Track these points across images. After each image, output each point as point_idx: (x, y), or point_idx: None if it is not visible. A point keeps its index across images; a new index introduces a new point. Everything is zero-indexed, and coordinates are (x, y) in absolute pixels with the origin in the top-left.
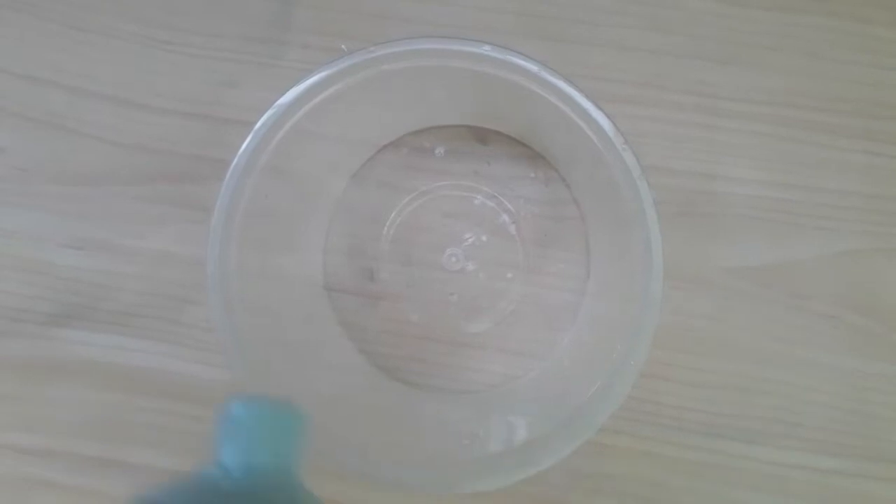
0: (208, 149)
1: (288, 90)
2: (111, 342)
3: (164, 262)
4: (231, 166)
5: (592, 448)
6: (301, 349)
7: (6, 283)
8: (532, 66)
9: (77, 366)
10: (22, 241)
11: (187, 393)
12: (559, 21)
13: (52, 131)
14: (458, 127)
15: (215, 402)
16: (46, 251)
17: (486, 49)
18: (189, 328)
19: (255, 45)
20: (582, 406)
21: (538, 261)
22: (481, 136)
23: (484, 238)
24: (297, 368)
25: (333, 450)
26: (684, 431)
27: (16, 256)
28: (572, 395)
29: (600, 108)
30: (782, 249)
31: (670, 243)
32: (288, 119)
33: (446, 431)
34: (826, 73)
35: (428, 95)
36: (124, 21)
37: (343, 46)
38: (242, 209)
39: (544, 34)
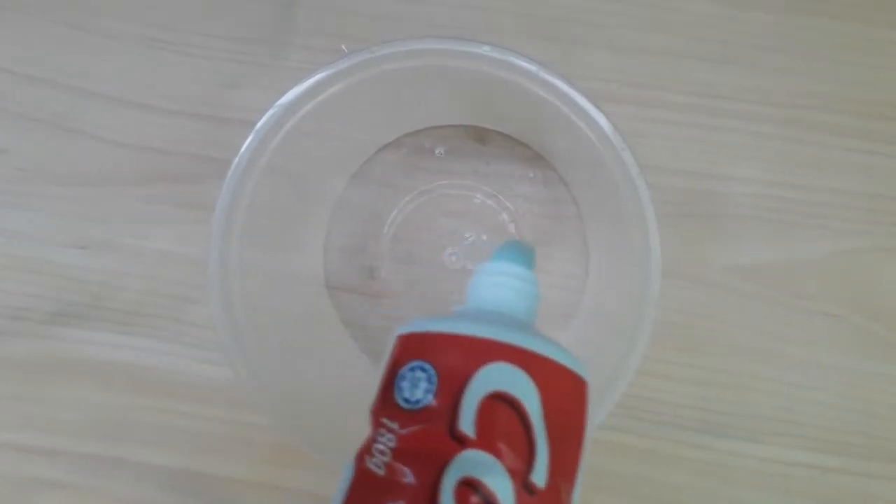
0: (209, 149)
1: (289, 91)
2: (112, 341)
3: (165, 261)
4: (232, 166)
5: (592, 446)
6: (302, 348)
7: (7, 282)
8: (531, 67)
9: (78, 365)
10: (23, 240)
11: (188, 392)
12: (559, 21)
13: (54, 132)
14: (457, 127)
15: (215, 401)
16: (48, 251)
17: (485, 49)
18: (190, 327)
19: (255, 45)
20: None
21: (537, 260)
22: (481, 136)
23: (484, 237)
24: (297, 367)
25: (335, 448)
26: (684, 429)
27: (17, 256)
28: None
29: (599, 109)
30: (782, 249)
31: (670, 243)
32: (288, 119)
33: None
34: (826, 73)
35: (428, 95)
36: (125, 22)
37: (343, 47)
38: (243, 209)
39: (544, 34)
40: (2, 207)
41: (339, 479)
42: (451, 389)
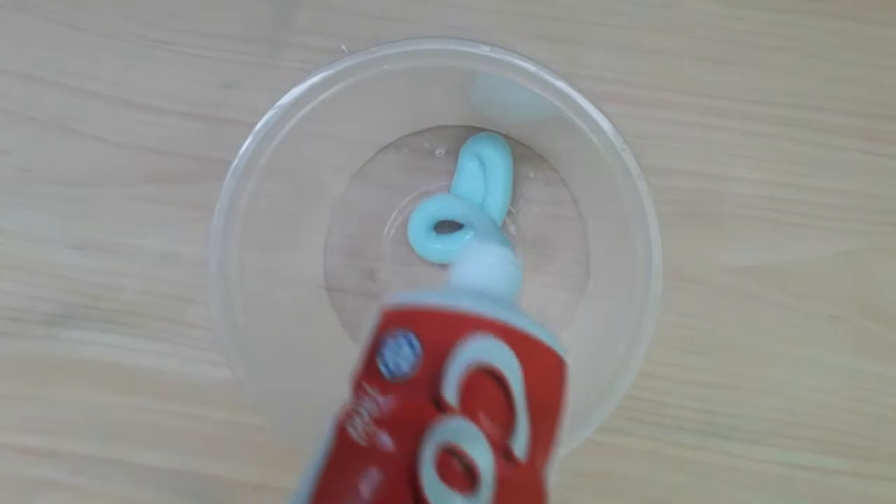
0: (209, 149)
1: (288, 91)
2: (112, 342)
3: (165, 262)
4: (231, 167)
5: (593, 447)
6: (301, 349)
7: (7, 283)
8: (531, 67)
9: (78, 366)
10: (23, 241)
11: (187, 393)
12: (559, 21)
13: (54, 132)
14: (458, 127)
15: (214, 401)
16: (47, 251)
17: (485, 50)
18: (189, 328)
19: (255, 45)
20: (582, 405)
21: (538, 260)
22: None
23: None
24: (297, 368)
25: None
26: (684, 431)
27: (17, 256)
28: (572, 394)
29: (600, 109)
30: (782, 249)
31: (670, 243)
32: (288, 120)
33: None
34: (826, 73)
35: (428, 96)
36: (125, 22)
37: (343, 47)
38: (243, 209)
39: (544, 35)
40: (2, 207)
41: (315, 441)
42: (435, 360)
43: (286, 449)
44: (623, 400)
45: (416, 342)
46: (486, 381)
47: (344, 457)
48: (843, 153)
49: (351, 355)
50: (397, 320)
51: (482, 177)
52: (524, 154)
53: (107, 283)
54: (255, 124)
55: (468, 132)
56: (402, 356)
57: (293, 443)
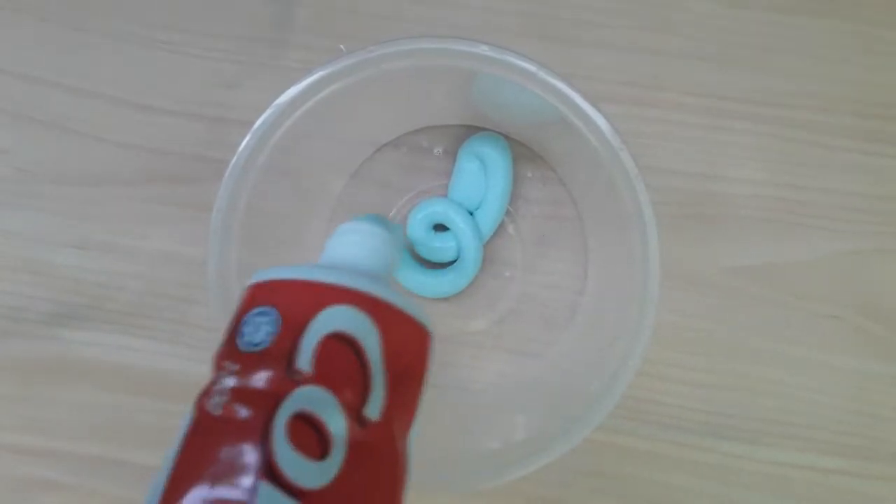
0: (209, 149)
1: (287, 90)
2: (112, 342)
3: (165, 261)
4: (230, 166)
5: (591, 447)
6: None
7: (7, 283)
8: (530, 67)
9: (77, 366)
10: (23, 241)
11: (188, 393)
12: (559, 21)
13: (54, 132)
14: (456, 126)
15: None
16: (48, 251)
17: (484, 49)
18: (190, 328)
19: (255, 45)
20: (580, 405)
21: (537, 260)
22: None
23: None
24: None
25: None
26: (684, 431)
27: (17, 256)
28: (571, 394)
29: (598, 109)
30: (783, 249)
31: (670, 243)
32: (286, 119)
33: (445, 430)
34: (826, 73)
35: (427, 95)
36: (125, 22)
37: (342, 46)
38: (242, 209)
39: (544, 34)
40: (2, 207)
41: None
42: (292, 331)
43: None
44: (622, 400)
45: (275, 314)
46: (341, 348)
47: (201, 430)
48: (843, 153)
49: None
50: (259, 296)
51: (482, 177)
52: (523, 154)
53: (107, 283)
54: (254, 124)
55: (467, 132)
56: (260, 330)
57: None
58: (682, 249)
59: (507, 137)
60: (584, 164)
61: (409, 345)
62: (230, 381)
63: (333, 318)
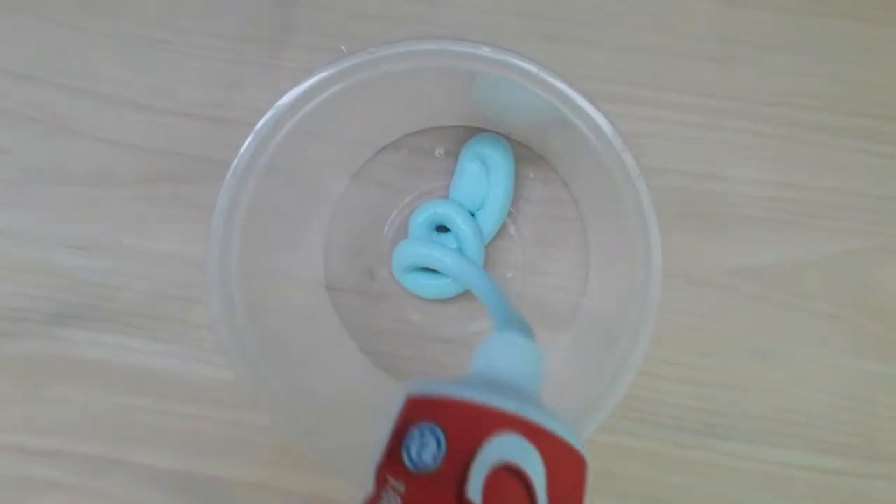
0: (209, 149)
1: (288, 91)
2: (112, 342)
3: (165, 262)
4: (231, 167)
5: (592, 447)
6: (301, 349)
7: (7, 283)
8: (531, 67)
9: (78, 366)
10: (23, 241)
11: (188, 393)
12: (559, 21)
13: (54, 132)
14: (457, 127)
15: (216, 402)
16: (48, 251)
17: (484, 50)
18: (190, 328)
19: (255, 45)
20: (581, 405)
21: (538, 260)
22: None
23: None
24: (297, 368)
25: (335, 449)
26: (684, 431)
27: (17, 256)
28: (572, 395)
29: (599, 109)
30: (782, 249)
31: (670, 243)
32: (288, 120)
33: None
34: (826, 73)
35: (428, 96)
36: (125, 22)
37: (343, 47)
38: (243, 209)
39: (544, 34)
40: (2, 207)
41: None
42: (461, 456)
43: (287, 449)
44: (623, 400)
45: (441, 435)
46: (509, 480)
47: None
48: (843, 153)
49: (351, 356)
50: (422, 411)
51: (483, 178)
52: (524, 154)
53: (107, 283)
54: (255, 124)
55: (468, 132)
56: (427, 449)
57: (294, 442)
58: (682, 249)
59: (507, 138)
60: (586, 165)
61: (570, 476)
62: (396, 500)
63: (503, 447)
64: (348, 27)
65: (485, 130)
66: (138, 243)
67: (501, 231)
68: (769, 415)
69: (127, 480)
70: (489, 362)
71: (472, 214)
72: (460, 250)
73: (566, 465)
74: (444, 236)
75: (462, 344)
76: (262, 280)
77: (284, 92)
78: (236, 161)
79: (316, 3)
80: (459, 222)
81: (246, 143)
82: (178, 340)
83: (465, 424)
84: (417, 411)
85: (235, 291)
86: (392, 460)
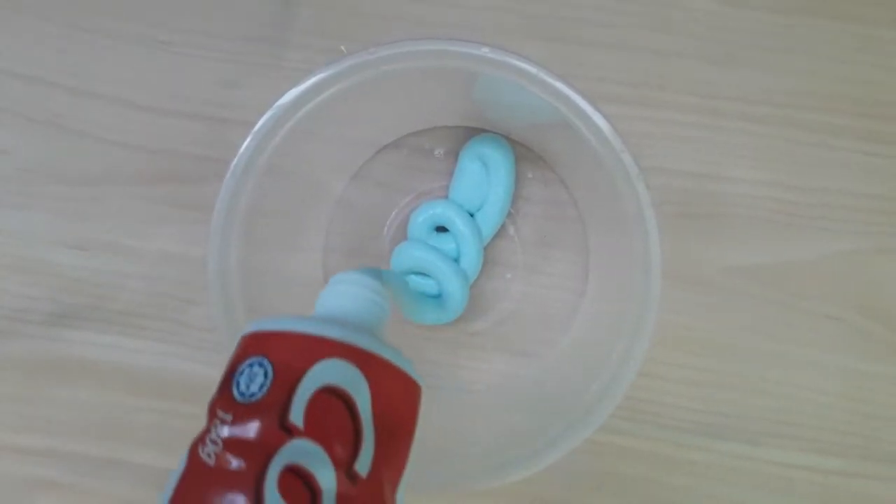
0: (209, 149)
1: (288, 91)
2: (112, 342)
3: (166, 262)
4: (231, 167)
5: (592, 447)
6: None
7: (7, 283)
8: (531, 68)
9: (78, 366)
10: (24, 241)
11: (188, 393)
12: (559, 21)
13: (54, 132)
14: (457, 127)
15: None
16: (48, 251)
17: (484, 51)
18: (190, 328)
19: (255, 45)
20: (581, 405)
21: (537, 261)
22: None
23: None
24: None
25: None
26: (684, 431)
27: (17, 256)
28: (572, 395)
29: (598, 110)
30: (782, 249)
31: (670, 243)
32: (288, 120)
33: (446, 430)
34: (826, 73)
35: (427, 96)
36: (125, 22)
37: (343, 47)
38: (243, 209)
39: (544, 35)
40: (2, 207)
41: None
42: (286, 383)
43: None
44: (623, 400)
45: (269, 366)
46: (333, 402)
47: (194, 478)
48: (843, 153)
49: None
50: (252, 346)
51: (483, 178)
52: (524, 154)
53: (107, 283)
54: (255, 124)
55: (467, 133)
56: (254, 381)
57: None
58: (682, 249)
59: (507, 138)
60: (585, 165)
61: (399, 399)
62: (223, 431)
63: (326, 372)
64: (348, 27)
65: (485, 130)
66: (138, 243)
67: (501, 231)
68: (769, 415)
69: (126, 480)
70: (326, 300)
71: (472, 215)
72: (459, 251)
73: (394, 387)
74: (443, 237)
75: (461, 344)
76: (262, 280)
77: (284, 92)
78: (236, 161)
79: (316, 3)
80: (458, 223)
81: (245, 143)
82: (178, 340)
83: (292, 354)
84: (248, 347)
85: (235, 291)
86: (222, 395)
